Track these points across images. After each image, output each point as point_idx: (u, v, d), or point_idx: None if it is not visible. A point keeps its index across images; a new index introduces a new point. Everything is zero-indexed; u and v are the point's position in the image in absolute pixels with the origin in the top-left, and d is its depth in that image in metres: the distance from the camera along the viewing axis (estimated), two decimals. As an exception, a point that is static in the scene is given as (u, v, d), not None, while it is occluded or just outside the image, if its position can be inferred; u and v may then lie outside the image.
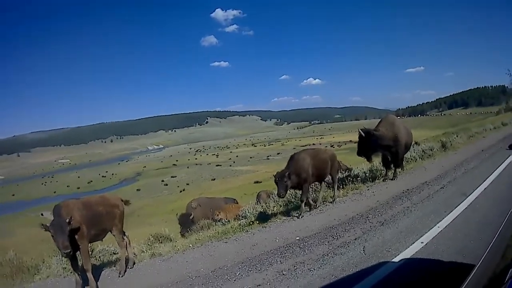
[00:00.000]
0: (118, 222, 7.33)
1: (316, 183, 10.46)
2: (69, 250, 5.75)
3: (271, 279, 5.80)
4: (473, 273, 2.27)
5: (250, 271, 6.26)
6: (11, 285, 7.06)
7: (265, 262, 6.51)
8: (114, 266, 7.55)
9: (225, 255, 7.26)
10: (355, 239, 6.80)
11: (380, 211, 8.18)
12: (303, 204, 9.24)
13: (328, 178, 10.34)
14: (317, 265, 5.99)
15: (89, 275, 6.40)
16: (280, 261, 6.45)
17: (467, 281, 2.22)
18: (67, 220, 5.80)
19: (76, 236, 6.18)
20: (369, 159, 11.46)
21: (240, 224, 9.51)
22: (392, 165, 11.61)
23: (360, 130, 11.07)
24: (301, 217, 8.95)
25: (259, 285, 5.67)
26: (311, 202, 9.65)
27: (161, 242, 9.92)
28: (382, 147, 11.12)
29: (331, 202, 9.75)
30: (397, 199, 8.96)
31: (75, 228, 6.09)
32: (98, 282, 6.60)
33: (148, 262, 7.71)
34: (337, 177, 10.33)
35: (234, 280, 6.02)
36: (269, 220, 9.18)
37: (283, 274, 5.89)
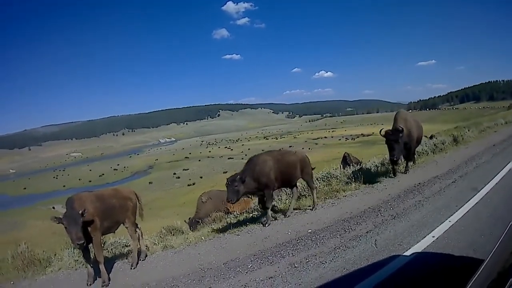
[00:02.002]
0: (131, 215, 7.37)
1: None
2: (82, 242, 5.80)
3: (283, 272, 5.84)
4: (482, 267, 2.28)
5: (262, 263, 6.30)
6: (23, 277, 7.11)
7: (277, 254, 6.54)
8: (126, 258, 7.59)
9: (237, 247, 7.30)
10: (367, 232, 6.83)
11: (392, 205, 8.19)
12: (269, 211, 8.60)
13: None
14: (329, 258, 6.02)
15: (102, 267, 6.47)
16: (292, 253, 6.49)
17: (477, 275, 2.23)
18: (80, 212, 5.86)
19: (89, 228, 6.25)
20: (397, 162, 11.09)
21: (252, 217, 9.50)
22: (403, 160, 11.45)
23: (394, 130, 10.66)
24: (267, 225, 8.35)
25: (271, 278, 5.70)
26: (271, 212, 8.76)
27: (173, 235, 9.98)
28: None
29: (311, 209, 9.00)
30: (409, 193, 8.95)
31: (88, 220, 6.16)
32: (110, 274, 6.65)
33: (160, 254, 7.75)
34: (313, 183, 9.43)
35: (246, 273, 6.06)
36: (281, 213, 9.16)
37: (295, 267, 5.93)
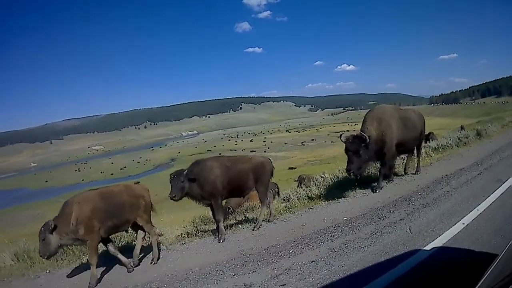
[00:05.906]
0: (143, 213, 7.14)
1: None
2: (45, 258, 6.24)
3: (324, 256, 6.14)
4: (498, 260, 2.45)
5: (303, 248, 6.59)
6: (47, 271, 7.37)
7: (316, 240, 6.84)
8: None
9: (275, 234, 7.58)
10: (400, 219, 7.14)
11: (421, 195, 8.44)
12: (221, 225, 7.92)
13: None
14: (367, 243, 6.34)
15: (93, 268, 6.38)
16: (330, 239, 6.79)
17: (493, 267, 2.39)
18: (51, 226, 6.02)
19: (81, 232, 6.21)
20: (361, 175, 9.39)
21: (285, 206, 9.74)
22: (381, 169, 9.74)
23: (355, 137, 8.86)
24: (221, 241, 7.71)
25: (314, 261, 6.00)
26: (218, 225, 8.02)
27: (206, 224, 10.30)
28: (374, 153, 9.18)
29: (253, 229, 8.17)
30: (437, 183, 9.18)
31: (81, 225, 6.20)
32: (153, 261, 7.10)
33: (199, 242, 8.03)
34: (266, 196, 8.40)
35: (288, 257, 6.36)
36: (314, 203, 9.44)
37: (335, 251, 6.23)
